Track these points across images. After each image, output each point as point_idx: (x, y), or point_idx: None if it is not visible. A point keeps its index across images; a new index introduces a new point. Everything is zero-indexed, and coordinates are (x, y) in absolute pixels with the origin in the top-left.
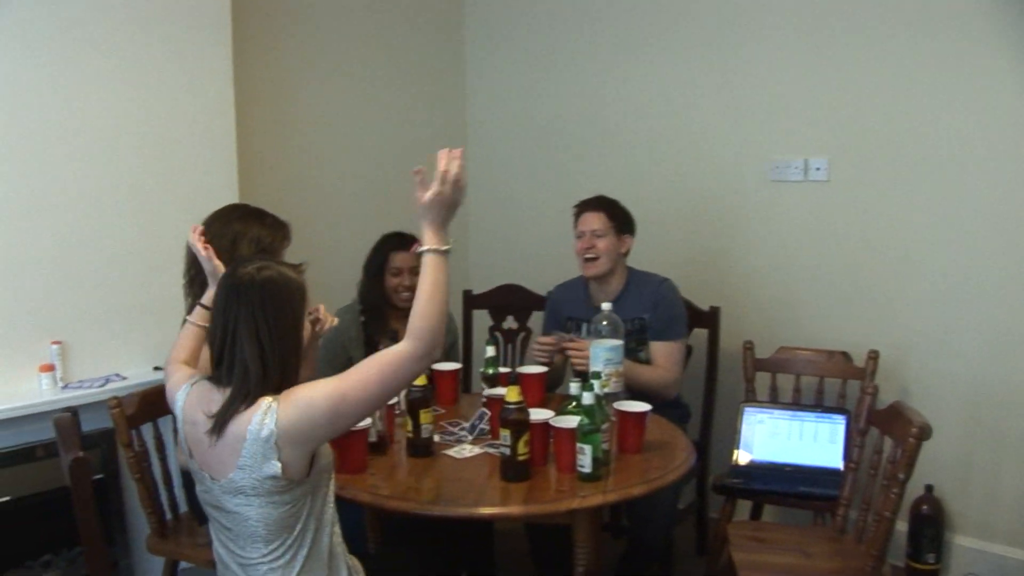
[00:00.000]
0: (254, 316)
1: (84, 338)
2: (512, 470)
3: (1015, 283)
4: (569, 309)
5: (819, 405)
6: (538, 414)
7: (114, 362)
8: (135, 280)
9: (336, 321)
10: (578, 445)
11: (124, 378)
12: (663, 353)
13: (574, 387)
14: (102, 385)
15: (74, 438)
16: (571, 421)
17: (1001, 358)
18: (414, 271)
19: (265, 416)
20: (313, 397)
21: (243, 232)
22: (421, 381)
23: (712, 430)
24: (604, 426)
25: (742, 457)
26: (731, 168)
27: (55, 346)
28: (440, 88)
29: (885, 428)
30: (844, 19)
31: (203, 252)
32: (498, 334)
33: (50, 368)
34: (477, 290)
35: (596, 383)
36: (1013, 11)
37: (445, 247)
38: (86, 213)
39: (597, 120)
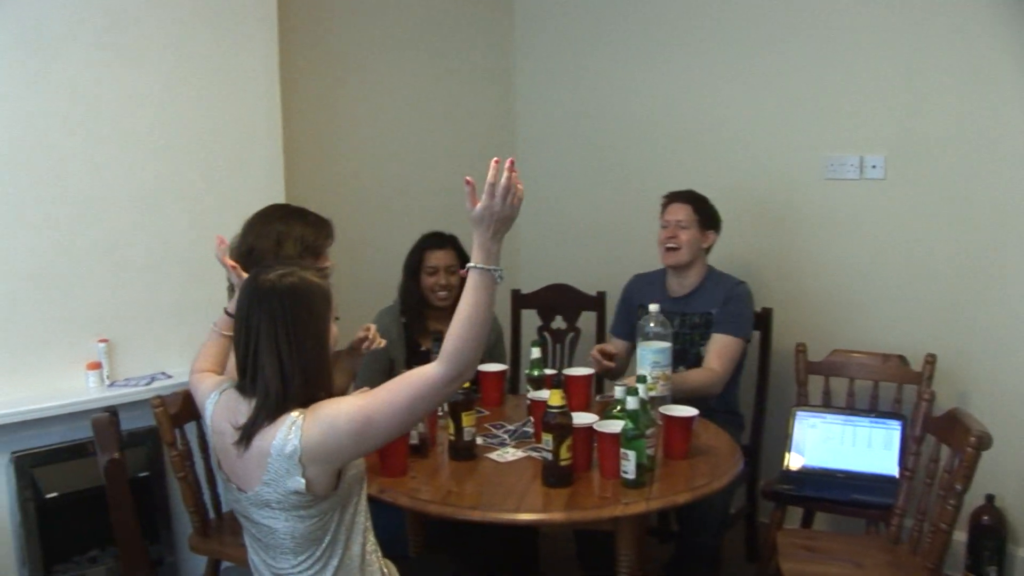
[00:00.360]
0: (275, 326)
1: (131, 336)
2: (554, 475)
3: None
4: (642, 298)
5: (874, 410)
6: (582, 418)
7: (160, 360)
8: (182, 279)
9: (384, 343)
10: (622, 450)
11: (169, 376)
12: (718, 345)
13: (619, 391)
14: (148, 383)
15: (112, 438)
16: (615, 426)
17: None
18: (450, 270)
19: (289, 432)
20: (337, 418)
21: (287, 232)
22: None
23: (763, 434)
24: (649, 431)
25: (794, 462)
26: (784, 166)
27: (102, 344)
28: (488, 87)
29: (942, 436)
30: (901, 11)
31: (227, 264)
32: (546, 334)
33: (97, 366)
34: (525, 289)
35: (641, 387)
36: None
37: (491, 267)
38: (135, 212)
39: (648, 119)
